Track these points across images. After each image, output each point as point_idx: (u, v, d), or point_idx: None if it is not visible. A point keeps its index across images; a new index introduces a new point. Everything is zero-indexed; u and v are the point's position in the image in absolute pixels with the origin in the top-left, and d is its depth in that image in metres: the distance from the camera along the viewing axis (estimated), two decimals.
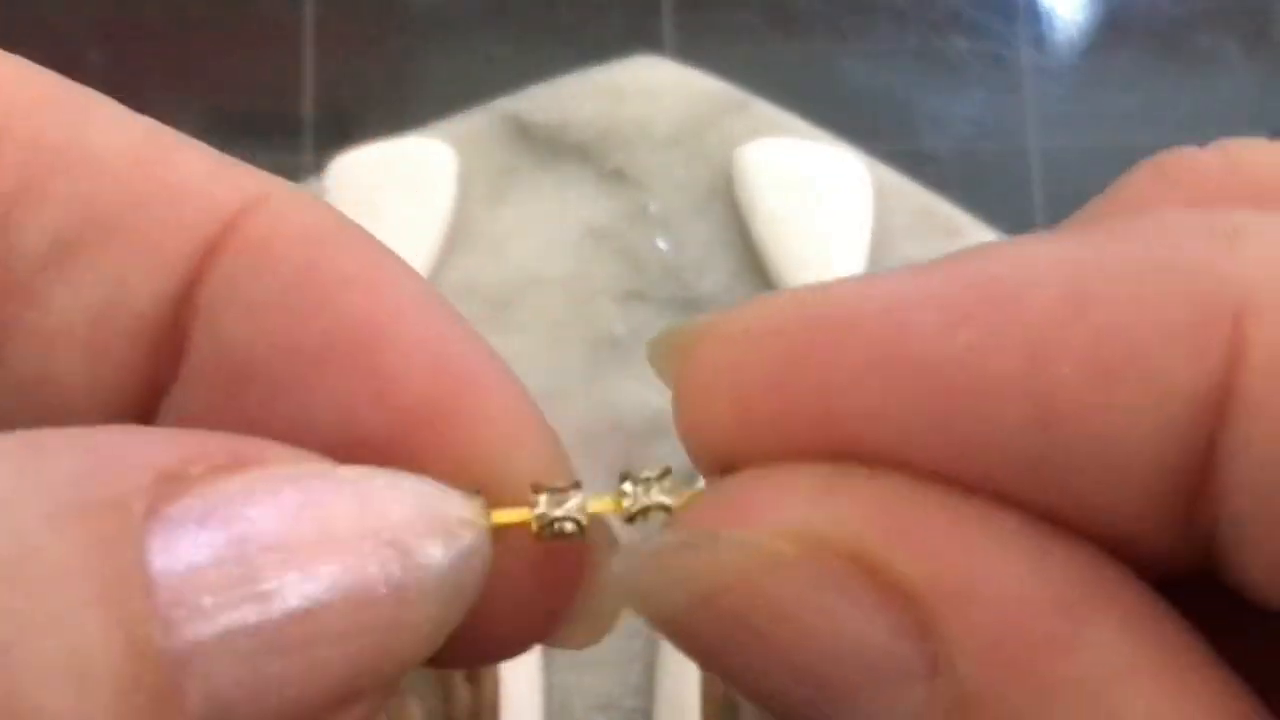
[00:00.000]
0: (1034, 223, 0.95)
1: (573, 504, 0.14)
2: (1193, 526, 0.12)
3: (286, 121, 0.99)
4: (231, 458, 0.12)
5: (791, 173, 0.68)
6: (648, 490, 0.14)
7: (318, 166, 0.69)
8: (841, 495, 0.12)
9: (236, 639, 0.11)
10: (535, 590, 0.15)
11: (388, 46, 1.03)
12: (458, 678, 0.56)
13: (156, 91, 0.98)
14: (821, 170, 0.68)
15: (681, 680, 0.59)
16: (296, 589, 0.12)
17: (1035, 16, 1.07)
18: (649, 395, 0.64)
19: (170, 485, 0.11)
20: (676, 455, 0.15)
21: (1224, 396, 0.11)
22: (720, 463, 0.13)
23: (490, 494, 0.14)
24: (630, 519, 0.14)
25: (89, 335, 0.14)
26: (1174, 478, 0.12)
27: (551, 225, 0.68)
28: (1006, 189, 1.02)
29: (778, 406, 0.13)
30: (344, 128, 0.95)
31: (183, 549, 0.11)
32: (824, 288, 0.13)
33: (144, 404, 0.14)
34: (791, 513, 0.12)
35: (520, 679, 0.58)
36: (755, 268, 0.67)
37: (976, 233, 0.67)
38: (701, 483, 0.14)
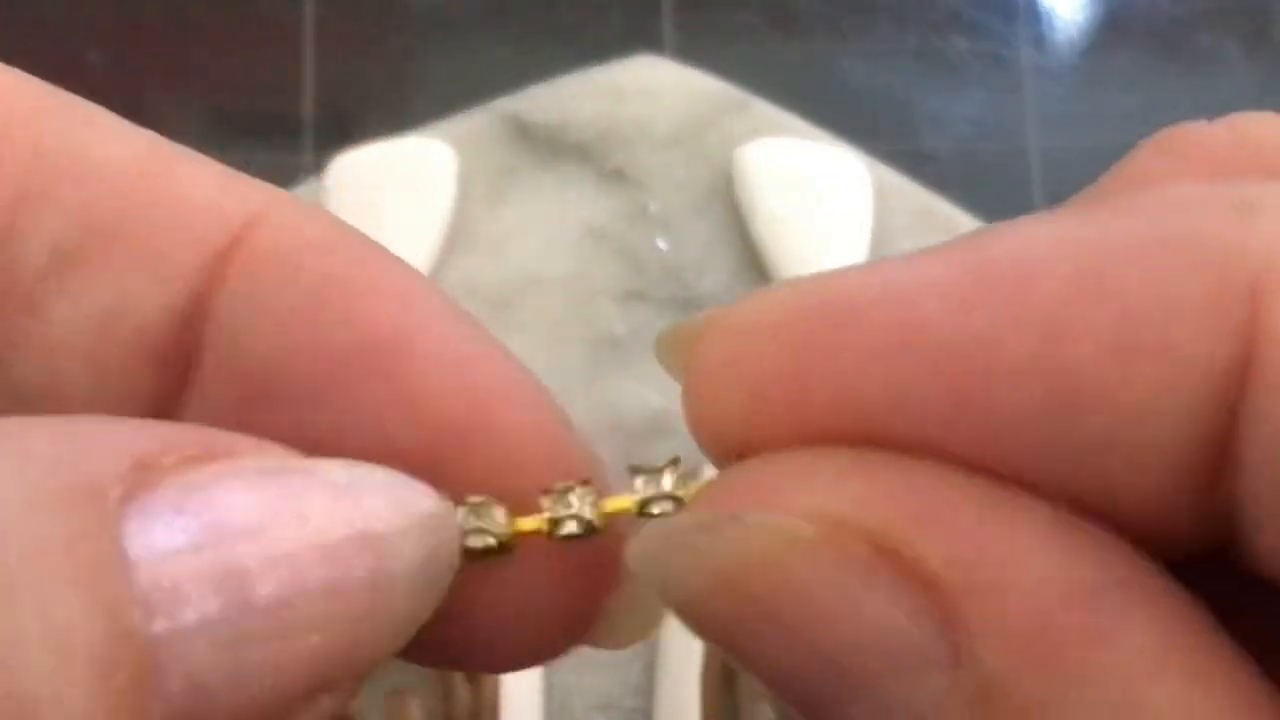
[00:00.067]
0: None
1: (585, 503, 0.14)
2: (1210, 505, 0.12)
3: (286, 121, 0.99)
4: (203, 449, 0.12)
5: (791, 173, 0.68)
6: (658, 483, 0.14)
7: (318, 166, 0.69)
8: (863, 479, 0.12)
9: (214, 625, 0.11)
10: (570, 592, 0.15)
11: (388, 46, 1.03)
12: (458, 678, 0.56)
13: (156, 91, 0.98)
14: (821, 170, 0.68)
15: (681, 680, 0.59)
16: (272, 576, 0.12)
17: (1035, 16, 1.07)
18: (649, 395, 0.64)
19: (145, 474, 0.12)
20: (677, 455, 0.15)
21: (1243, 371, 0.11)
22: (732, 453, 0.13)
23: (518, 504, 0.14)
24: (642, 512, 0.14)
25: (92, 346, 0.14)
26: (1193, 455, 0.11)
27: (551, 225, 0.68)
28: (1006, 189, 1.01)
29: (789, 395, 0.13)
30: (344, 128, 0.95)
31: (159, 535, 0.11)
32: (832, 275, 0.13)
33: (149, 416, 0.14)
34: (812, 496, 0.12)
35: (520, 679, 0.58)
36: (755, 268, 0.67)
37: None
38: (707, 473, 0.14)
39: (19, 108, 0.14)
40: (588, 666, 0.62)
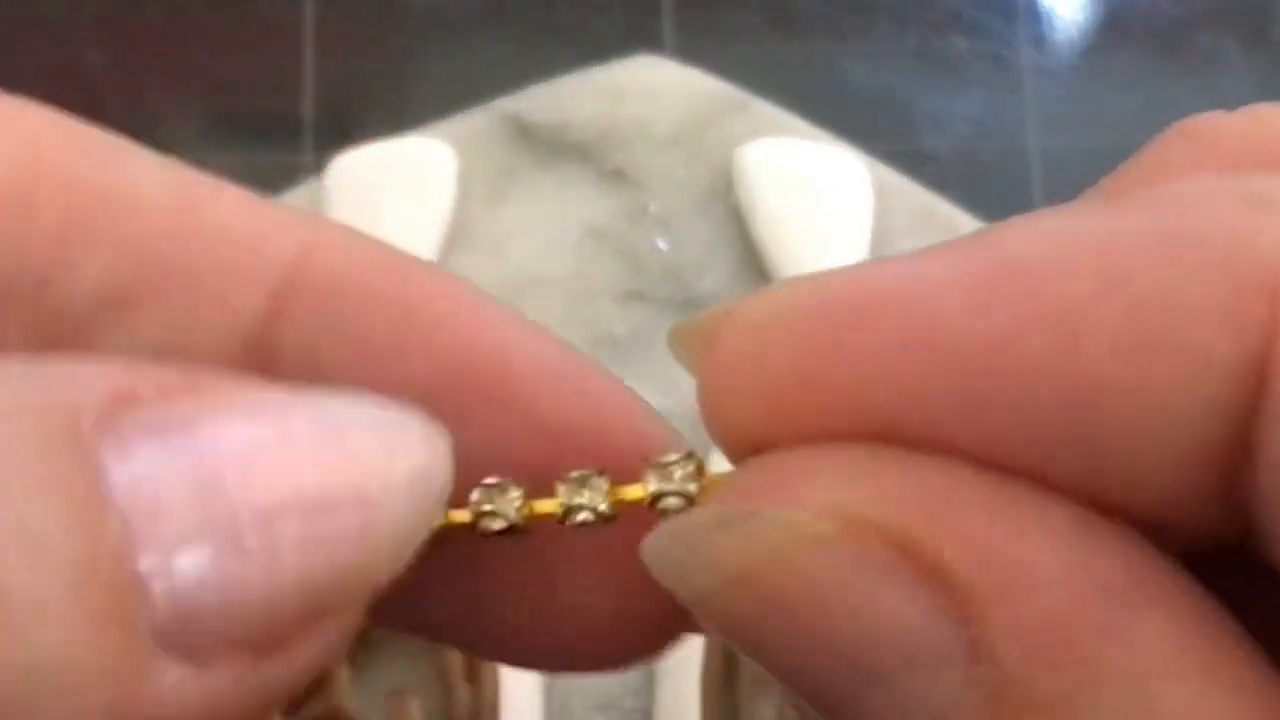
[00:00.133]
0: None
1: (596, 492, 0.14)
2: (1228, 500, 0.12)
3: (286, 121, 0.99)
4: (185, 382, 0.12)
5: (791, 173, 0.68)
6: (672, 476, 0.14)
7: (318, 166, 0.69)
8: (880, 476, 0.12)
9: (196, 538, 0.11)
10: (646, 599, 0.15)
11: (388, 46, 1.03)
12: (458, 677, 0.56)
13: (156, 91, 0.98)
14: (821, 170, 0.68)
15: (681, 680, 0.59)
16: (255, 491, 0.11)
17: (1035, 16, 1.07)
18: (649, 395, 0.64)
19: (122, 403, 0.11)
20: (692, 449, 0.15)
21: (1262, 367, 0.11)
22: (748, 448, 0.13)
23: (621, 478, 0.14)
24: (654, 504, 0.14)
25: None
26: (1212, 454, 0.11)
27: (551, 225, 0.68)
28: (1006, 189, 1.01)
29: (806, 392, 0.13)
30: (344, 128, 0.95)
31: (136, 451, 0.11)
32: (848, 272, 0.13)
33: None
34: (829, 492, 0.12)
35: (520, 678, 0.58)
36: (755, 268, 0.67)
37: None
38: (714, 466, 0.14)
39: (52, 147, 0.14)
40: None
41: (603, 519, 0.14)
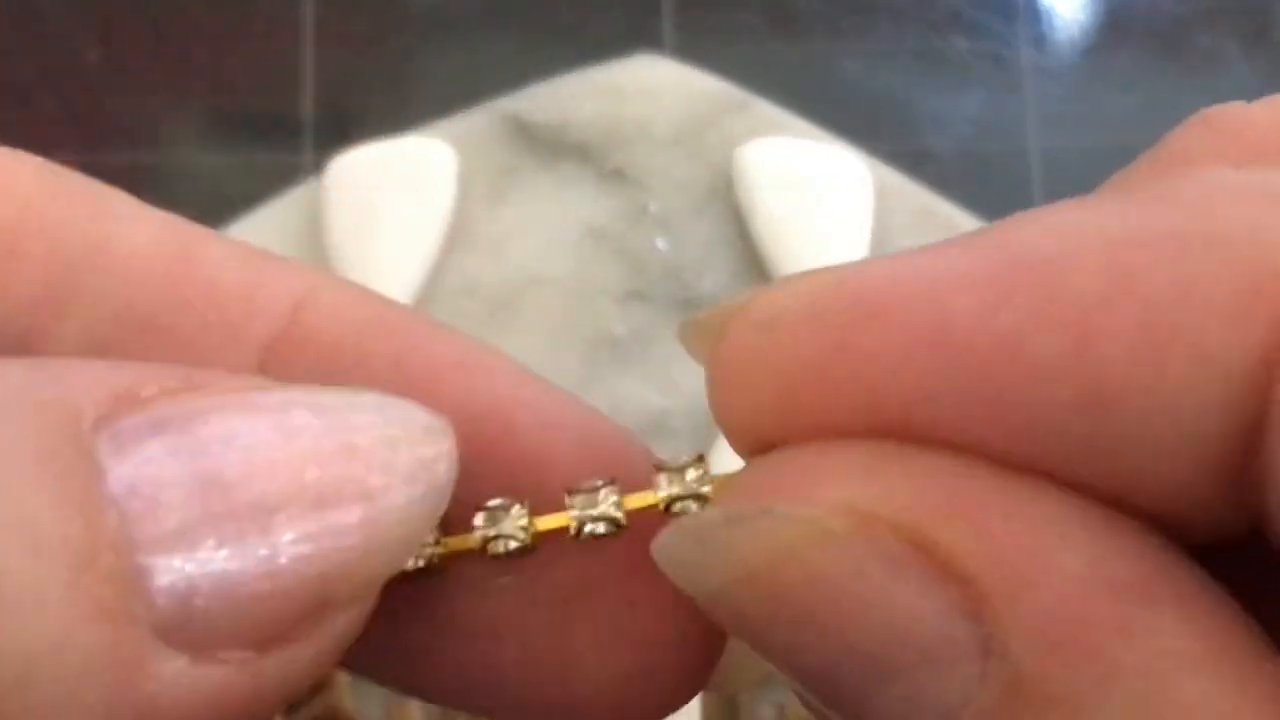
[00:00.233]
0: None
1: (608, 501, 0.14)
2: (1241, 497, 0.12)
3: (286, 121, 0.99)
4: (183, 382, 0.12)
5: (791, 173, 0.68)
6: (682, 479, 0.14)
7: (317, 166, 0.69)
8: (892, 473, 0.12)
9: (195, 531, 0.11)
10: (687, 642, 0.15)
11: (388, 46, 1.03)
12: None
13: (156, 91, 0.98)
14: (821, 170, 0.68)
15: None
16: (254, 484, 0.11)
17: (1035, 16, 1.07)
18: (649, 395, 0.64)
19: (123, 403, 0.11)
20: (700, 452, 0.15)
21: (1272, 367, 0.11)
22: (758, 444, 0.13)
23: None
24: (668, 509, 0.14)
25: None
26: (1223, 452, 0.11)
27: (551, 225, 0.68)
28: (1006, 189, 1.01)
29: (816, 388, 0.12)
30: (344, 128, 0.95)
31: (136, 447, 0.11)
32: (860, 266, 0.13)
33: None
34: (842, 489, 0.12)
35: None
36: (755, 268, 0.67)
37: None
38: (716, 465, 0.14)
39: (40, 197, 0.14)
40: None
41: (617, 528, 0.14)
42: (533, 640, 0.15)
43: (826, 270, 0.13)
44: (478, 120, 0.70)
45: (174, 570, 0.11)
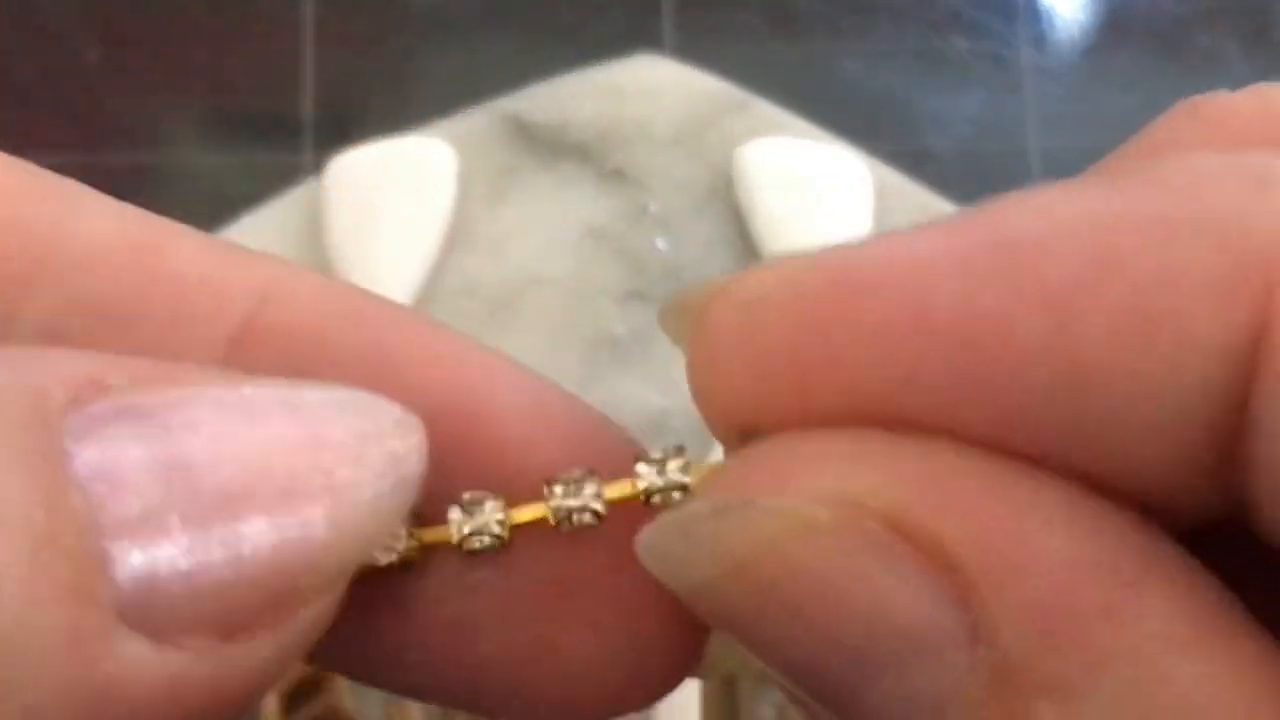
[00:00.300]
0: None
1: (588, 492, 0.14)
2: (1226, 479, 0.12)
3: (286, 121, 0.99)
4: (153, 371, 0.12)
5: (791, 173, 0.68)
6: (663, 470, 0.14)
7: (317, 166, 0.69)
8: (876, 461, 0.12)
9: (159, 515, 0.11)
10: (675, 628, 0.14)
11: (388, 46, 1.03)
12: None
13: (156, 91, 0.98)
14: (821, 170, 0.68)
15: None
16: (220, 469, 0.11)
17: (1035, 16, 1.07)
18: (649, 395, 0.64)
19: (92, 389, 0.11)
20: (681, 444, 0.15)
21: (1256, 350, 0.11)
22: (738, 429, 0.13)
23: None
24: (648, 500, 0.14)
25: None
26: (1206, 434, 0.11)
27: (551, 225, 0.68)
28: (1006, 189, 1.01)
29: (797, 372, 0.12)
30: (344, 128, 0.95)
31: (102, 431, 0.11)
32: (843, 249, 0.13)
33: None
34: (825, 479, 0.12)
35: None
36: None
37: None
38: (713, 460, 0.14)
39: (2, 192, 0.14)
40: None
41: (598, 519, 0.14)
42: (512, 634, 0.14)
43: (808, 252, 0.13)
44: (478, 120, 0.70)
45: (137, 554, 0.11)
